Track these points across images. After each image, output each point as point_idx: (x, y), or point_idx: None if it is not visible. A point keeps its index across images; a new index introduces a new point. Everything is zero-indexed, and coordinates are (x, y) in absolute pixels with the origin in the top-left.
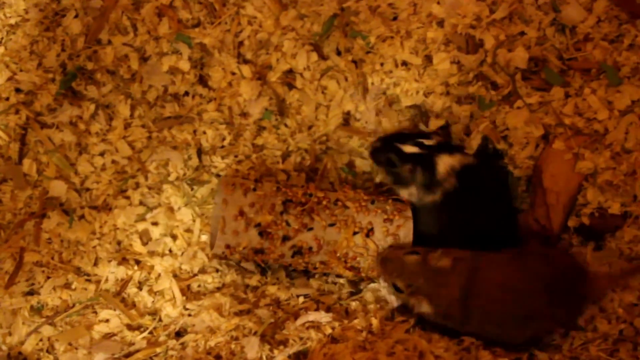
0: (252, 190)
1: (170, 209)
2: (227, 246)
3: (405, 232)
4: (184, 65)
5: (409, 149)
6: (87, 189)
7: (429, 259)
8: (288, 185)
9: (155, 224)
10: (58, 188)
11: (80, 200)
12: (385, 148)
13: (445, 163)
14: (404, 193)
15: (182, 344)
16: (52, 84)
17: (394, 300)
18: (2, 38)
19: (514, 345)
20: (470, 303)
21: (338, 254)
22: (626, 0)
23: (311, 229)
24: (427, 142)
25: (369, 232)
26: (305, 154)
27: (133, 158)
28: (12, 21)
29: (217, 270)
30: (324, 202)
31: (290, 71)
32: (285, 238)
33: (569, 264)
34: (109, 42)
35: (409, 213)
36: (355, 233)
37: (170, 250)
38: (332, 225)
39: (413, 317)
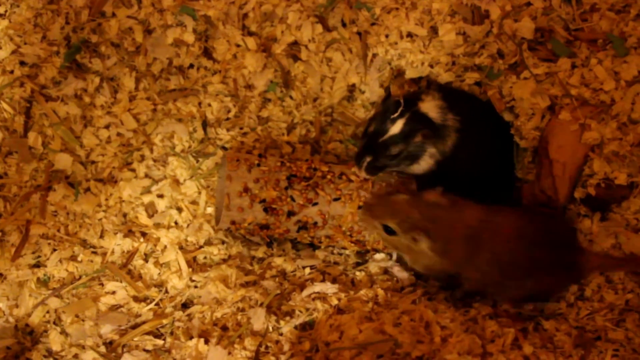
0: (256, 166)
1: (176, 182)
2: (233, 222)
3: None
4: (189, 37)
5: (396, 128)
6: (93, 162)
7: (425, 194)
8: (292, 160)
9: (160, 196)
10: (63, 161)
11: (85, 172)
12: (378, 152)
13: (431, 108)
14: (424, 164)
15: (188, 315)
16: (56, 56)
17: (405, 278)
18: (6, 11)
19: (509, 298)
20: (480, 247)
21: (343, 228)
22: None
23: (316, 203)
24: (394, 114)
25: None
26: (310, 126)
27: (138, 131)
28: None
29: (223, 242)
30: (329, 177)
31: (295, 43)
32: (290, 213)
33: (570, 231)
34: (113, 15)
35: (414, 186)
36: (360, 207)
37: (176, 223)
38: (336, 199)
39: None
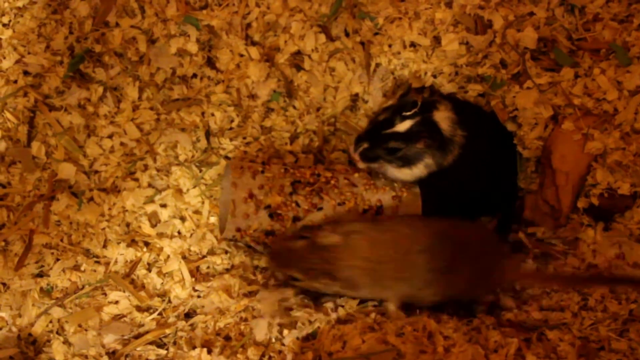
0: (260, 173)
1: (179, 191)
2: (238, 229)
3: (414, 208)
4: (192, 47)
5: (402, 127)
6: (96, 171)
7: (317, 237)
8: (296, 167)
9: (164, 205)
10: (67, 170)
11: (89, 182)
12: (376, 143)
13: (443, 119)
14: (416, 171)
15: (191, 325)
16: (60, 66)
17: None
18: (10, 21)
19: (425, 305)
20: (383, 273)
21: None
22: None
23: (321, 208)
24: (407, 112)
25: (379, 210)
26: (313, 136)
27: (141, 140)
28: (20, 4)
29: (226, 252)
30: (332, 182)
31: (298, 53)
32: (296, 219)
33: (487, 239)
34: (117, 25)
35: (417, 189)
36: (364, 211)
37: (179, 232)
38: (341, 204)
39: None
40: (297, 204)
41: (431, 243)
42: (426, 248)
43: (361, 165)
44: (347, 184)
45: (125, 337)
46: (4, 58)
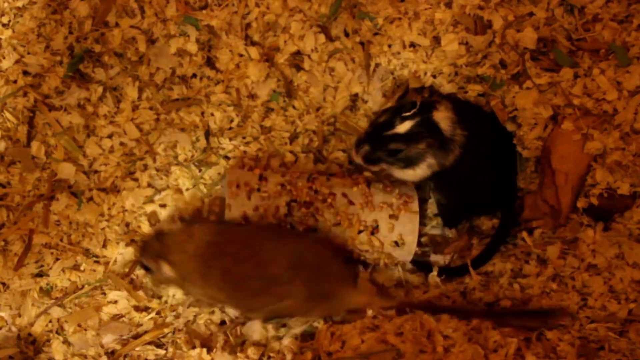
0: (256, 191)
1: (179, 191)
2: None
3: (411, 227)
4: (192, 47)
5: (402, 128)
6: (96, 171)
7: (163, 226)
8: (294, 179)
9: (163, 205)
10: (66, 170)
11: (88, 182)
12: (377, 145)
13: (443, 119)
14: (419, 171)
15: (189, 324)
16: (59, 66)
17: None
18: (9, 21)
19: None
20: (212, 264)
21: None
22: None
23: (315, 230)
24: (407, 113)
25: (374, 230)
26: (313, 136)
27: (141, 140)
28: (20, 4)
29: None
30: (329, 200)
31: (298, 53)
32: None
33: (325, 256)
34: (117, 25)
35: (416, 207)
36: (360, 231)
37: None
38: (337, 224)
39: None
40: (292, 226)
41: (260, 254)
42: (257, 263)
43: (364, 166)
44: (344, 203)
45: (124, 337)
46: (4, 58)
